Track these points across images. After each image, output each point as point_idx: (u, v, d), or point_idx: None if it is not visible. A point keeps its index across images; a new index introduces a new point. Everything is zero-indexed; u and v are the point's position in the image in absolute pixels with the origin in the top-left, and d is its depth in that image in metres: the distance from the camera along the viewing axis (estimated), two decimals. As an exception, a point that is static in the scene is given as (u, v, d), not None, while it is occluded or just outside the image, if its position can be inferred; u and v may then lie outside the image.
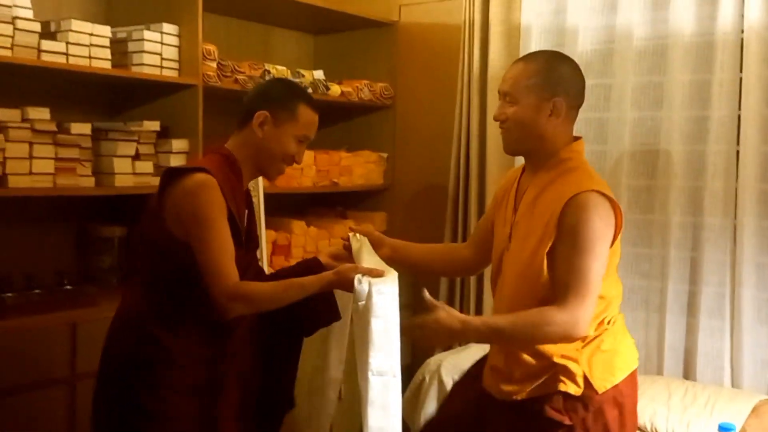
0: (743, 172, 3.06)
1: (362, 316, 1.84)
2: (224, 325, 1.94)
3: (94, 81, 2.99)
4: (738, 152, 3.07)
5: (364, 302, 1.83)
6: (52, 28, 2.69)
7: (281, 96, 2.04)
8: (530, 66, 1.97)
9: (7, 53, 2.48)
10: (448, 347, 3.43)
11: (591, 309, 1.85)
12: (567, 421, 1.90)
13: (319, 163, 3.65)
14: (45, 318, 2.54)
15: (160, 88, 3.04)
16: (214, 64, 3.12)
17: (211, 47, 3.11)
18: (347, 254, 2.16)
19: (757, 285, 3.08)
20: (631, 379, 2.00)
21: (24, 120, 2.54)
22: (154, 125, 2.96)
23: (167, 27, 2.96)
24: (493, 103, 3.56)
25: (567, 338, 1.86)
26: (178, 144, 3.00)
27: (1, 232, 2.82)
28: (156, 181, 2.91)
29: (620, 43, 3.31)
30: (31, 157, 2.54)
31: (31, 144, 2.54)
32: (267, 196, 3.28)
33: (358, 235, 2.18)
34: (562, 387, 1.90)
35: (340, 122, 4.03)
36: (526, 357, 1.93)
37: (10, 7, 2.49)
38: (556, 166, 1.96)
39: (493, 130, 3.60)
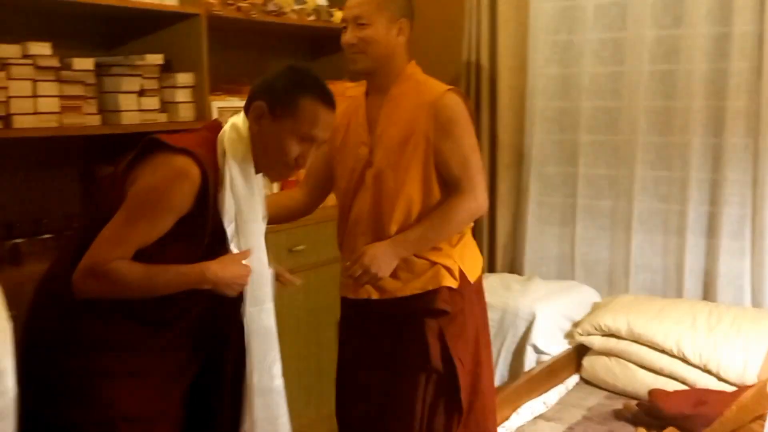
0: (766, 89, 3.00)
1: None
2: (162, 318, 1.79)
3: (93, 13, 2.82)
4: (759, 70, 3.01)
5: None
6: (47, -44, 2.52)
7: (283, 86, 1.79)
8: None
9: (3, -15, 2.32)
10: None
11: (485, 185, 2.17)
12: (450, 310, 2.14)
13: (324, 94, 3.53)
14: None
15: (162, 19, 2.88)
16: (215, -8, 2.97)
17: (212, -26, 2.95)
18: None
19: (778, 204, 3.06)
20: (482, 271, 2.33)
21: (26, 56, 2.38)
22: (158, 59, 2.82)
23: (166, -48, 2.79)
24: (504, 24, 3.47)
25: (477, 217, 2.23)
26: (184, 78, 2.87)
27: (7, 175, 2.69)
28: (163, 117, 2.84)
29: (637, -41, 3.19)
30: (35, 96, 2.40)
31: (34, 81, 2.40)
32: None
33: None
34: (445, 282, 2.13)
35: (344, 51, 3.88)
36: (411, 257, 2.13)
37: (1, -66, 2.31)
38: (406, 80, 2.16)
39: (504, 54, 3.50)
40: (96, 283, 1.66)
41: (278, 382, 1.91)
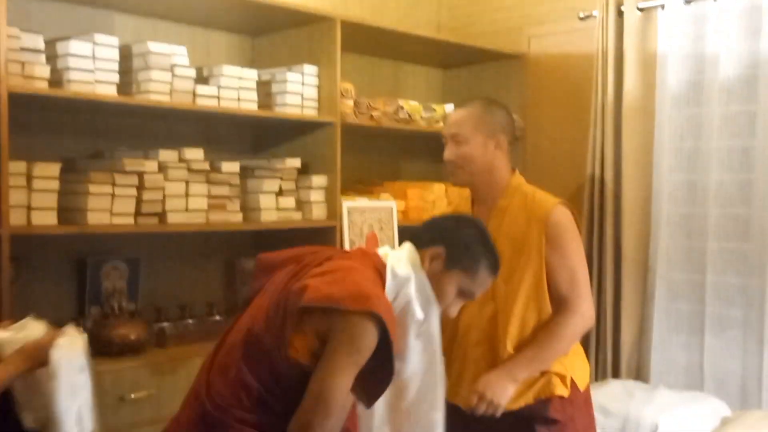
0: None
1: None
2: None
3: (242, 121, 3.14)
4: None
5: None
6: (205, 73, 2.86)
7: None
8: (472, 110, 2.28)
9: (166, 98, 2.65)
10: None
11: (591, 298, 2.21)
12: (561, 419, 2.17)
13: (450, 196, 3.68)
14: (198, 347, 2.68)
15: (301, 127, 3.17)
16: (350, 102, 3.22)
17: (348, 86, 3.22)
18: None
19: None
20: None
21: (181, 160, 2.70)
22: (296, 162, 3.08)
23: (308, 68, 3.08)
24: (629, 133, 3.52)
25: (587, 331, 2.26)
26: (318, 180, 3.11)
27: (160, 265, 3.00)
28: (297, 216, 3.07)
29: (765, 68, 3.18)
30: (187, 195, 2.70)
31: (187, 183, 2.70)
32: (401, 229, 3.34)
33: None
34: (557, 391, 2.17)
35: (470, 155, 4.04)
36: None
37: (169, 55, 2.66)
38: (513, 193, 2.26)
39: (629, 162, 3.53)
40: None
41: None
